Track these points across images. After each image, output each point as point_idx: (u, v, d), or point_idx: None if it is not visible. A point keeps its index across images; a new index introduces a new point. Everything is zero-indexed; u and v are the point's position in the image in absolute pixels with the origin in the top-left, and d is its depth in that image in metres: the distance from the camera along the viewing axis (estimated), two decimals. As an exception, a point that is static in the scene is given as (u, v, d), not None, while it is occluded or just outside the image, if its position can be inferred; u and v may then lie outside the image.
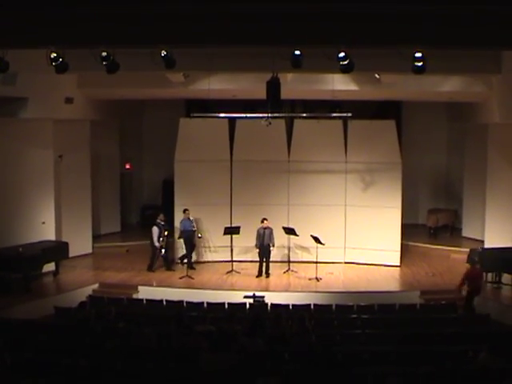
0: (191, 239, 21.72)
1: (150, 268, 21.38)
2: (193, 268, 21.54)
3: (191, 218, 21.64)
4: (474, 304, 17.41)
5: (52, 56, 13.16)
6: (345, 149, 22.68)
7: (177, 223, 21.95)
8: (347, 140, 22.67)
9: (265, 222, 20.94)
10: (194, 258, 22.05)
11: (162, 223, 21.50)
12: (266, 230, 20.93)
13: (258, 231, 21.02)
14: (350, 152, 22.63)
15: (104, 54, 13.15)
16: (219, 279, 20.66)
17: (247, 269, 21.52)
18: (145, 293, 18.94)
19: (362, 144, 22.40)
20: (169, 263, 21.62)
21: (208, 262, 22.52)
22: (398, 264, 22.06)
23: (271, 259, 21.21)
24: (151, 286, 19.80)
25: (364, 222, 22.31)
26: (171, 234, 21.92)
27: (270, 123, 18.20)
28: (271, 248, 21.06)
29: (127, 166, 28.94)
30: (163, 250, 21.29)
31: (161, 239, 21.19)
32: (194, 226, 21.58)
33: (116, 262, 22.66)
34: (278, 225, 21.51)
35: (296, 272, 21.30)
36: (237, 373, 9.39)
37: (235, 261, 21.98)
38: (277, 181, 22.79)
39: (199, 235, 21.79)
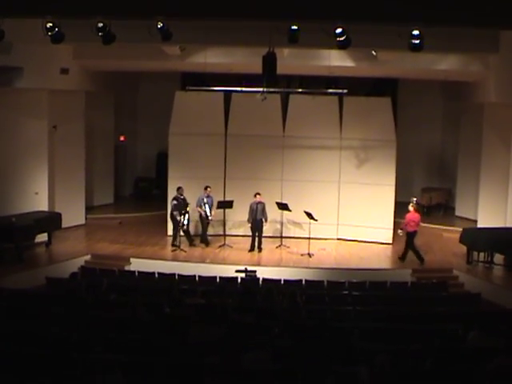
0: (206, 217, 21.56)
1: (174, 240, 21.11)
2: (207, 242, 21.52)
3: (212, 196, 21.43)
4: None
5: (48, 26, 13.09)
6: (340, 125, 22.60)
7: (170, 196, 21.69)
8: (342, 116, 22.59)
9: (258, 196, 20.89)
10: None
11: (182, 197, 21.05)
12: (259, 205, 20.89)
13: (250, 206, 20.99)
14: (344, 128, 22.56)
15: (100, 24, 13.08)
16: (211, 253, 20.69)
17: (239, 243, 21.54)
18: (137, 265, 18.96)
19: (357, 121, 22.34)
20: (190, 238, 21.24)
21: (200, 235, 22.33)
22: (391, 242, 22.10)
23: (264, 234, 21.24)
24: (143, 258, 19.73)
25: (357, 199, 22.29)
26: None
27: (266, 98, 18.17)
28: (264, 223, 21.11)
29: (121, 138, 28.87)
30: (185, 225, 20.83)
31: (182, 215, 20.63)
32: (211, 204, 21.33)
33: (108, 234, 22.67)
34: (272, 200, 21.51)
35: (288, 247, 21.36)
36: (226, 346, 9.41)
37: (228, 235, 22.02)
38: (271, 156, 22.75)
39: (209, 217, 21.40)
